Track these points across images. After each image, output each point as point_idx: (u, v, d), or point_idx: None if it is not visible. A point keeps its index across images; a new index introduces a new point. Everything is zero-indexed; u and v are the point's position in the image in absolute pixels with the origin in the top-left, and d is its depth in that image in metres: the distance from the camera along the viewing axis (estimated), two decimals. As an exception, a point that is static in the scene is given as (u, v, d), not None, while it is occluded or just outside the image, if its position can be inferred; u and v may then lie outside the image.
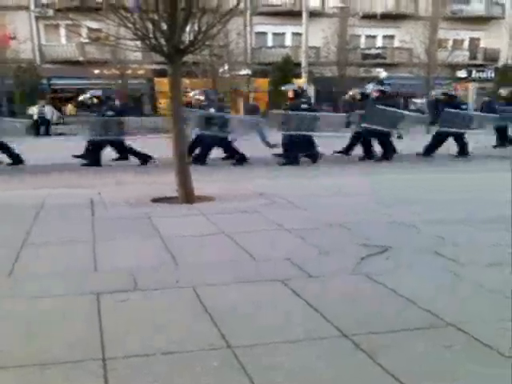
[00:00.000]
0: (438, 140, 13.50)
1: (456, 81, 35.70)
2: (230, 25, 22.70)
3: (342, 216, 5.84)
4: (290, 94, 12.39)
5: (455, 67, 35.68)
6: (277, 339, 2.86)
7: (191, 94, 13.84)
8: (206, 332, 2.96)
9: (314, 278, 3.85)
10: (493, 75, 36.67)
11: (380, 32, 36.17)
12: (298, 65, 29.84)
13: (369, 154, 12.79)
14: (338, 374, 2.52)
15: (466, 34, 37.00)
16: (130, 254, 4.53)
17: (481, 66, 37.37)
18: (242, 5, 22.39)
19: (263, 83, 32.80)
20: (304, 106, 12.18)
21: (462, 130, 13.27)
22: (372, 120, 12.54)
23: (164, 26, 6.41)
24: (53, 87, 33.06)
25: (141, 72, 31.97)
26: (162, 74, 6.35)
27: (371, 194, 7.28)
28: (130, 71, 31.55)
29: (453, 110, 13.22)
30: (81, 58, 31.58)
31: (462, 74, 36.59)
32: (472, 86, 36.16)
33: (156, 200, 7.07)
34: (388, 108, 12.75)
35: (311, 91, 30.14)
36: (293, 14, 31.99)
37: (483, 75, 37.06)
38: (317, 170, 11.05)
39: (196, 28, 6.52)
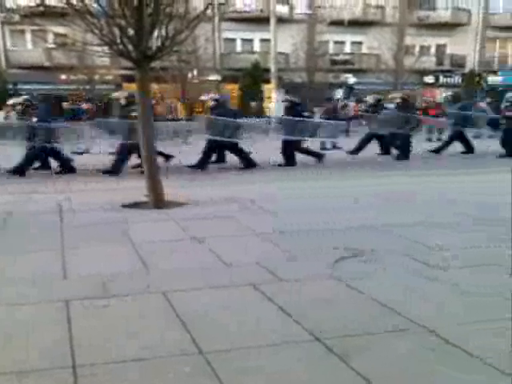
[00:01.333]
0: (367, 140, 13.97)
1: (424, 86, 36.38)
2: (198, 30, 22.85)
3: (314, 220, 5.88)
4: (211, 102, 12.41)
5: (423, 73, 36.31)
6: (249, 344, 2.86)
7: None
8: (178, 338, 2.95)
9: (286, 283, 3.86)
10: (460, 81, 37.40)
11: (348, 38, 36.57)
12: (268, 70, 29.96)
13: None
14: (311, 378, 2.53)
15: (432, 41, 37.58)
16: (100, 260, 4.49)
17: (448, 71, 38.06)
18: (209, 11, 22.31)
19: (233, 89, 32.85)
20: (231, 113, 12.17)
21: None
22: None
23: (131, 32, 6.39)
24: (20, 92, 32.50)
25: (109, 77, 31.68)
26: (130, 79, 6.33)
27: (347, 198, 7.35)
28: (97, 76, 31.27)
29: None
30: (47, 63, 31.17)
31: (429, 79, 37.22)
32: (439, 91, 36.72)
33: (126, 205, 7.01)
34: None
35: (281, 97, 30.29)
36: (261, 20, 32.12)
37: (450, 81, 37.74)
38: (299, 173, 10.96)
39: (163, 34, 6.51)
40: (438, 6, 37.52)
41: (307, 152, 12.55)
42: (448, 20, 37.17)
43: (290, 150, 12.04)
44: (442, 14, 37.29)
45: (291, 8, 33.42)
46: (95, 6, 6.46)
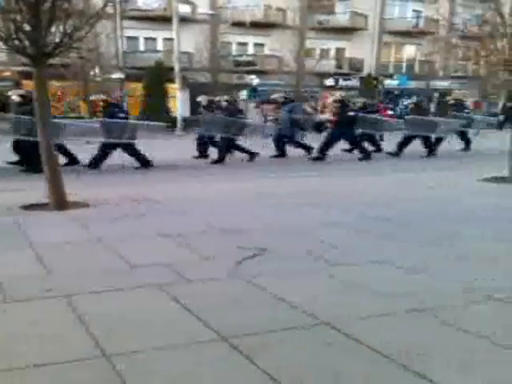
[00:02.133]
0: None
1: (324, 89, 37.52)
2: (99, 28, 22.35)
3: (223, 220, 5.93)
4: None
5: (323, 75, 37.45)
6: (154, 345, 2.85)
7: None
8: (81, 342, 2.89)
9: (192, 283, 3.87)
10: (358, 84, 38.88)
11: (251, 40, 36.98)
12: (172, 69, 29.72)
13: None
14: (217, 377, 2.56)
15: (332, 44, 38.88)
16: (-3, 264, 4.30)
17: (347, 74, 39.42)
18: (111, 9, 21.73)
19: (136, 87, 32.31)
20: (121, 114, 12.05)
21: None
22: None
23: (28, 28, 6.15)
24: None
25: (7, 74, 30.14)
26: (29, 76, 6.07)
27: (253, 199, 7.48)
28: (-6, 73, 29.70)
29: None
30: None
31: (329, 82, 38.41)
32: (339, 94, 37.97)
33: (26, 207, 6.74)
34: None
35: (186, 97, 30.18)
36: (164, 19, 31.77)
37: (349, 83, 39.12)
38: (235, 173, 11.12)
39: (62, 30, 6.32)
40: (336, 10, 38.74)
41: (240, 149, 13.12)
42: (346, 24, 38.51)
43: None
44: (341, 18, 38.55)
45: (194, 8, 33.27)
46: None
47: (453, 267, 4.23)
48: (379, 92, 37.73)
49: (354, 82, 39.06)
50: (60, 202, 6.75)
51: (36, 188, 7.25)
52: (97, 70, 30.07)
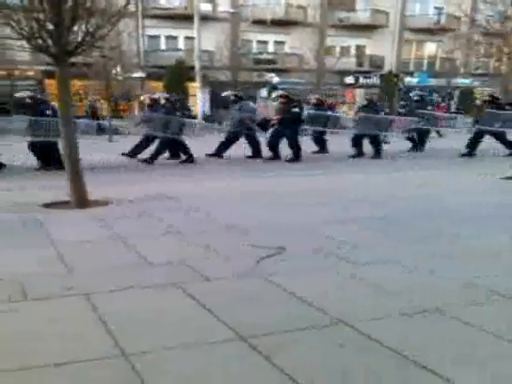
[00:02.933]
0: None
1: (344, 87, 37.35)
2: (122, 27, 22.49)
3: (241, 219, 5.92)
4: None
5: (343, 73, 37.25)
6: (173, 344, 2.85)
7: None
8: (101, 341, 2.89)
9: (211, 282, 3.86)
10: (378, 81, 38.60)
11: (271, 38, 36.94)
12: (192, 68, 29.82)
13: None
14: (235, 377, 2.55)
15: (352, 42, 38.67)
16: (19, 261, 4.33)
17: (367, 72, 39.18)
18: (133, 7, 21.87)
19: (157, 86, 32.47)
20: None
21: None
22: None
23: (50, 26, 6.20)
24: None
25: (30, 73, 30.51)
26: (52, 75, 6.14)
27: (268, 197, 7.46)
28: (18, 72, 30.03)
29: None
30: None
31: (349, 80, 38.19)
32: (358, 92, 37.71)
33: (47, 205, 6.80)
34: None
35: (206, 95, 30.30)
36: (185, 18, 31.91)
37: (369, 81, 38.86)
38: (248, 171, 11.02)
39: (84, 29, 6.37)
40: (357, 7, 38.52)
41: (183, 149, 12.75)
42: (367, 22, 38.26)
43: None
44: (362, 15, 38.32)
45: (215, 6, 33.33)
46: (13, -1, 6.23)
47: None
48: (399, 90, 37.43)
49: (375, 80, 38.76)
50: (81, 200, 6.80)
51: (58, 187, 7.30)
52: (118, 69, 30.26)
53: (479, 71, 38.95)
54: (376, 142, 13.72)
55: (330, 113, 15.42)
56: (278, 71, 35.26)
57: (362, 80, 38.68)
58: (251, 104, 14.45)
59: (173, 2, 33.79)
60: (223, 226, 5.61)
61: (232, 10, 32.97)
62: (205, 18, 30.39)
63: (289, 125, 12.74)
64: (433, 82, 39.28)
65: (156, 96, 13.60)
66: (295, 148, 12.76)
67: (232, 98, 13.93)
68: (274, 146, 12.93)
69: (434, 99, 27.25)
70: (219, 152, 13.14)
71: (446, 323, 3.12)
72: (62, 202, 6.85)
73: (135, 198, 7.22)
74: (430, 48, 41.40)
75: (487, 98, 14.73)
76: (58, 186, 7.35)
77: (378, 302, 3.46)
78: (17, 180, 9.30)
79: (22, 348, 2.82)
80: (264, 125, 14.05)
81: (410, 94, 16.52)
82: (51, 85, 27.71)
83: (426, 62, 41.36)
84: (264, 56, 36.78)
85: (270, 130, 13.39)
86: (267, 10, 35.02)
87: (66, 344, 2.85)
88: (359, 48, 39.31)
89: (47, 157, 11.14)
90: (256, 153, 13.20)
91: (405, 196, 7.45)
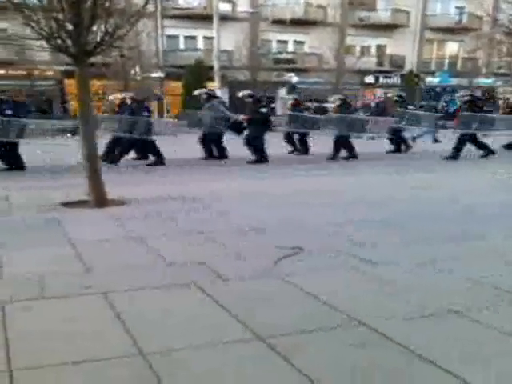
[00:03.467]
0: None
1: (365, 86, 37.15)
2: (141, 27, 22.62)
3: (257, 220, 5.89)
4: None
5: (363, 73, 37.06)
6: (191, 343, 2.83)
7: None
8: (119, 339, 2.89)
9: (229, 282, 3.85)
10: (399, 81, 38.35)
11: (291, 37, 36.89)
12: (211, 68, 29.90)
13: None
14: (253, 377, 2.53)
15: (372, 41, 38.49)
16: (37, 260, 4.35)
17: (388, 72, 38.96)
18: (152, 7, 21.96)
19: (176, 86, 32.60)
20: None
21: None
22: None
23: (70, 26, 6.24)
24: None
25: (50, 73, 30.86)
26: (72, 75, 6.18)
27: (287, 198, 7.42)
28: (37, 72, 30.41)
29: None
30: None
31: (369, 79, 38.02)
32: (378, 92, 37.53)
33: (66, 204, 6.85)
34: None
35: (225, 95, 30.31)
36: (204, 18, 32.01)
37: (390, 81, 38.64)
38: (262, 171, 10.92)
39: (103, 29, 6.39)
40: (378, 7, 38.31)
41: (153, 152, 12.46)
42: (388, 21, 38.03)
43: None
44: (382, 15, 38.09)
45: (234, 6, 33.38)
46: (33, -1, 6.28)
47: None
48: (421, 89, 37.13)
49: (395, 80, 38.53)
50: (100, 199, 6.83)
51: (78, 186, 7.34)
52: (137, 69, 30.48)
53: (502, 71, 38.48)
54: (338, 144, 13.10)
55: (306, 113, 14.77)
56: (298, 71, 35.23)
57: (382, 80, 38.48)
58: (221, 105, 13.55)
59: (192, 2, 33.90)
60: (240, 226, 5.59)
61: (251, 10, 32.99)
62: (224, 18, 30.46)
63: (257, 125, 12.25)
64: (454, 81, 38.88)
65: (123, 96, 13.16)
66: (258, 149, 12.17)
67: (204, 96, 13.20)
68: (256, 147, 12.29)
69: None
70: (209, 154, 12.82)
71: (454, 322, 3.08)
72: (81, 202, 6.89)
73: (151, 198, 7.25)
74: (452, 47, 41.03)
75: (467, 99, 14.10)
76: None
77: (395, 302, 3.41)
78: (30, 179, 9.40)
79: (40, 346, 2.82)
80: (237, 126, 13.16)
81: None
82: (71, 85, 28.05)
83: (447, 61, 41.00)
84: (283, 56, 36.75)
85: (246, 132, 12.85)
86: (287, 9, 35.00)
87: (84, 342, 2.85)
88: (380, 47, 39.12)
89: (7, 157, 10.95)
90: (211, 154, 12.83)
91: (403, 198, 7.38)
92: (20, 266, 4.20)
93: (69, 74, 25.61)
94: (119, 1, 6.82)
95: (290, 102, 15.09)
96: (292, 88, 33.80)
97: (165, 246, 4.80)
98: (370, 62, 38.25)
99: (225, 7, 31.55)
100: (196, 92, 13.85)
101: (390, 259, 4.35)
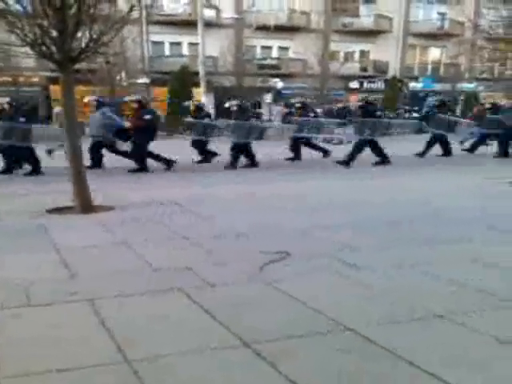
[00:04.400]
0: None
1: (349, 91, 37.34)
2: (126, 33, 22.58)
3: (243, 224, 5.91)
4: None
5: (347, 78, 37.27)
6: (176, 350, 2.84)
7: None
8: (104, 346, 2.89)
9: (214, 287, 3.85)
10: (383, 86, 38.61)
11: (275, 43, 37.02)
12: (196, 74, 29.90)
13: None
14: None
15: (356, 47, 38.77)
16: (22, 267, 4.33)
17: (371, 77, 39.22)
18: (137, 13, 21.90)
19: (162, 92, 32.56)
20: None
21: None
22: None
23: (54, 33, 6.23)
24: None
25: (35, 79, 30.69)
26: (57, 81, 6.19)
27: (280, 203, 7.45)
28: (23, 78, 30.21)
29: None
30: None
31: (353, 84, 38.18)
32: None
33: (51, 210, 6.82)
34: None
35: (211, 100, 30.30)
36: (189, 24, 32.00)
37: (374, 86, 38.89)
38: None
39: (87, 35, 6.39)
40: (361, 13, 38.61)
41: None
42: (371, 27, 38.34)
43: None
44: (365, 20, 38.39)
45: (218, 12, 33.45)
46: (17, 5, 6.26)
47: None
48: (404, 94, 37.45)
49: (379, 85, 38.80)
50: (85, 205, 6.81)
51: (63, 191, 7.31)
52: (123, 75, 30.40)
53: (484, 76, 38.94)
54: (235, 152, 12.39)
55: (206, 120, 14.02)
56: (282, 76, 35.33)
57: (366, 85, 38.70)
58: (111, 113, 12.79)
59: (177, 8, 33.92)
60: (226, 230, 5.61)
61: (236, 16, 33.06)
62: (209, 24, 30.49)
63: (141, 132, 11.50)
64: (437, 86, 39.25)
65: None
66: (139, 158, 11.49)
67: (94, 103, 12.54)
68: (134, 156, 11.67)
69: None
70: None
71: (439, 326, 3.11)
72: (67, 208, 6.86)
73: (138, 203, 7.25)
74: (434, 53, 41.44)
75: (361, 104, 13.96)
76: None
77: (382, 307, 3.44)
78: (17, 185, 9.34)
79: (25, 353, 2.81)
80: (122, 134, 12.24)
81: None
82: (56, 91, 27.94)
83: (430, 67, 41.38)
84: (268, 61, 36.85)
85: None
86: (271, 15, 35.12)
87: (69, 349, 2.85)
88: (363, 53, 39.41)
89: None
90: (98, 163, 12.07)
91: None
92: (5, 272, 4.19)
93: (54, 80, 25.55)
94: (104, 7, 6.80)
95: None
96: (277, 94, 33.91)
97: (151, 251, 4.80)
98: (354, 67, 38.50)
99: (209, 13, 31.56)
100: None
101: (381, 263, 4.37)
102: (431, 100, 15.60)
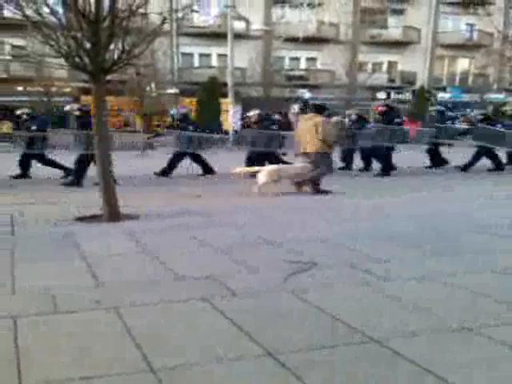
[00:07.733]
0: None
1: (376, 102, 37.22)
2: (156, 45, 22.90)
3: (270, 233, 5.94)
4: None
5: (375, 89, 37.18)
6: (201, 360, 2.84)
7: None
8: (128, 355, 2.90)
9: (239, 296, 3.86)
10: (410, 97, 38.41)
11: (303, 54, 37.15)
12: (225, 85, 30.13)
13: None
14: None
15: (384, 58, 38.72)
16: (49, 274, 4.41)
17: (399, 88, 39.07)
18: (167, 26, 22.29)
19: (190, 102, 32.89)
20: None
21: None
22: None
23: (87, 45, 6.38)
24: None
25: (67, 90, 31.31)
26: (88, 91, 6.32)
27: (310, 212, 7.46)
28: (55, 89, 30.85)
29: None
30: (5, 76, 30.63)
31: (381, 95, 38.10)
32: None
33: (80, 218, 6.94)
34: None
35: (238, 111, 30.40)
36: (218, 36, 32.37)
37: (401, 97, 38.71)
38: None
39: (120, 47, 6.52)
40: (389, 24, 38.56)
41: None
42: (399, 38, 38.25)
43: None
44: (393, 32, 38.34)
45: (248, 24, 33.72)
46: (52, 18, 6.42)
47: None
48: (432, 105, 37.16)
49: (407, 96, 38.60)
50: (113, 213, 6.91)
51: (93, 200, 7.44)
52: (152, 86, 30.82)
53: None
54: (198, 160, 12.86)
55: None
56: (310, 87, 35.39)
57: (393, 95, 38.55)
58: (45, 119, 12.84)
59: (207, 20, 34.30)
60: (253, 239, 5.64)
61: (265, 28, 33.28)
62: (238, 36, 30.76)
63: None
64: (466, 97, 38.90)
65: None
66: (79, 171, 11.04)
67: (24, 116, 12.35)
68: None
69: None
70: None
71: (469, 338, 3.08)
72: (94, 216, 6.97)
73: (164, 213, 7.33)
74: (463, 64, 41.14)
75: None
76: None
77: (409, 319, 3.40)
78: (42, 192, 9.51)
79: (49, 361, 2.84)
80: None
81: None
82: (87, 101, 28.40)
83: (458, 77, 41.04)
84: (296, 72, 36.96)
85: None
86: (299, 27, 35.30)
87: (94, 357, 2.87)
88: (391, 64, 39.31)
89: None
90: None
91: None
92: (33, 280, 4.25)
93: (85, 91, 26.01)
94: (136, 20, 6.93)
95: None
96: (304, 104, 33.89)
97: (177, 260, 4.83)
98: (382, 78, 38.45)
99: (239, 25, 31.84)
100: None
101: (411, 275, 4.34)
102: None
